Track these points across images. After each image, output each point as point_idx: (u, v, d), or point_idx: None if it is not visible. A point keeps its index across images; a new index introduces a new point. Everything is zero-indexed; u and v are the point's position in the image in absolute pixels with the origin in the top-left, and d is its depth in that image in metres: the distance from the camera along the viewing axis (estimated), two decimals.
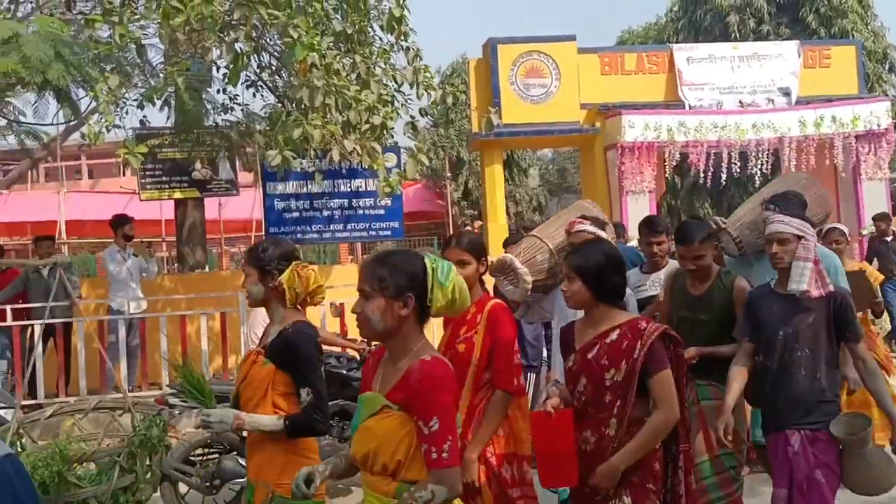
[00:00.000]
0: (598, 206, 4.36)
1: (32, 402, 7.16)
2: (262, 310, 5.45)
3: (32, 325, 7.68)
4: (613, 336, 2.89)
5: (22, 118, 10.87)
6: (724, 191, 21.11)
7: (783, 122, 11.10)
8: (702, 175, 11.17)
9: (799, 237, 3.39)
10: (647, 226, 4.86)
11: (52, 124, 11.46)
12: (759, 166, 11.07)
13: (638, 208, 10.77)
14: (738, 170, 11.06)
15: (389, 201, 9.53)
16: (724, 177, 11.05)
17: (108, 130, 6.29)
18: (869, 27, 20.65)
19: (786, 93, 11.66)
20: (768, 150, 11.09)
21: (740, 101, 11.54)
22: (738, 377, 3.54)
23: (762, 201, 4.19)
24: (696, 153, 10.89)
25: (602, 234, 3.89)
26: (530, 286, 3.96)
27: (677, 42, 18.01)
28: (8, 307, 7.77)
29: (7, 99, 9.48)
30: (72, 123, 11.77)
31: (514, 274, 3.94)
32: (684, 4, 22.78)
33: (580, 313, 3.42)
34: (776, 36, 19.29)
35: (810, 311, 3.39)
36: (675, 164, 11.10)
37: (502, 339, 3.34)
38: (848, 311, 3.39)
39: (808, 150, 11.04)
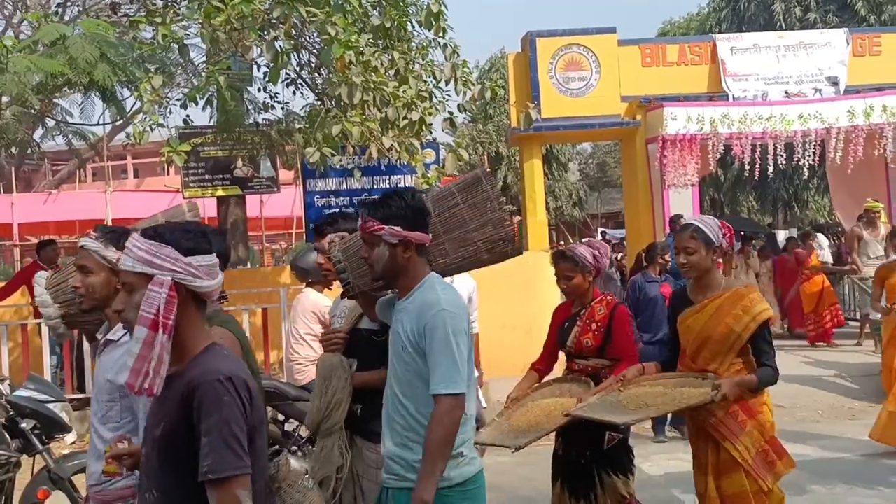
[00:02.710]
0: (194, 210, 3.11)
1: (80, 395, 7.34)
2: (304, 306, 5.51)
3: None
4: None
5: (69, 119, 11.17)
6: (770, 183, 20.69)
7: (831, 113, 10.80)
8: (746, 168, 10.94)
9: (149, 276, 1.92)
10: None
11: (98, 124, 11.76)
12: (805, 158, 10.80)
13: (680, 202, 10.58)
14: (784, 162, 10.80)
15: None
16: (770, 169, 10.80)
17: (153, 130, 6.40)
18: None
19: (834, 82, 11.35)
20: (815, 140, 10.81)
21: (786, 92, 11.27)
22: None
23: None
24: (741, 145, 10.66)
25: (111, 253, 2.65)
26: (58, 322, 2.90)
27: (720, 32, 17.66)
28: None
29: (55, 100, 9.72)
30: (117, 123, 12.03)
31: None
32: None
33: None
34: (823, 24, 18.80)
35: (161, 417, 1.96)
36: (718, 156, 10.89)
37: None
38: (205, 410, 1.85)
39: (857, 140, 10.73)
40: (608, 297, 3.93)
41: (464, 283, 5.18)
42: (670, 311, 3.71)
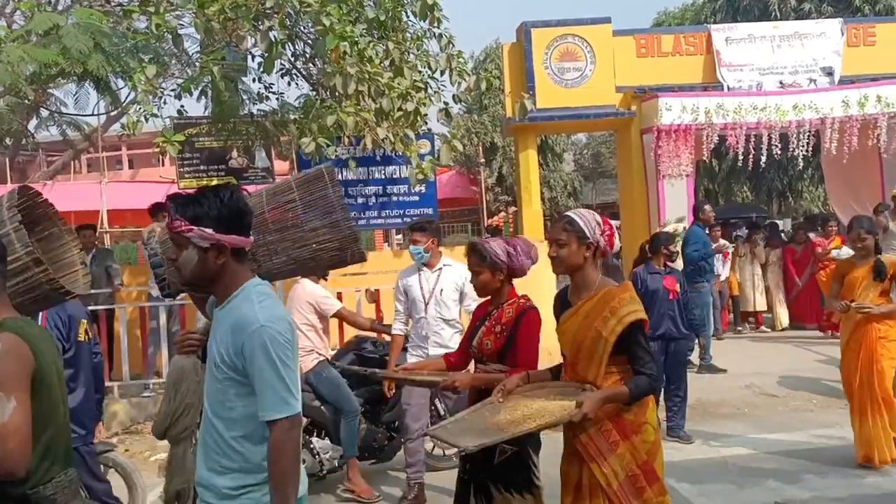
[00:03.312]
0: (12, 200, 2.89)
1: None
2: (300, 296, 5.51)
3: None
4: None
5: (64, 109, 11.12)
6: (764, 174, 20.71)
7: (825, 103, 10.81)
8: (741, 158, 10.95)
9: None
10: None
11: (93, 114, 11.72)
12: (800, 148, 10.82)
13: (675, 192, 10.60)
14: (779, 152, 10.82)
15: (423, 188, 9.54)
16: (764, 159, 10.81)
17: (147, 120, 6.38)
18: None
19: (828, 72, 11.36)
20: (810, 131, 10.83)
21: (781, 82, 11.28)
22: None
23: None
24: (735, 135, 10.67)
25: None
26: None
27: (715, 23, 17.66)
28: None
29: (49, 90, 9.68)
30: (112, 114, 11.97)
31: None
32: None
33: None
34: (818, 14, 18.79)
35: None
36: (713, 146, 10.90)
37: None
38: None
39: (851, 130, 10.75)
40: (521, 300, 3.61)
41: (456, 272, 5.17)
42: (554, 313, 3.29)
